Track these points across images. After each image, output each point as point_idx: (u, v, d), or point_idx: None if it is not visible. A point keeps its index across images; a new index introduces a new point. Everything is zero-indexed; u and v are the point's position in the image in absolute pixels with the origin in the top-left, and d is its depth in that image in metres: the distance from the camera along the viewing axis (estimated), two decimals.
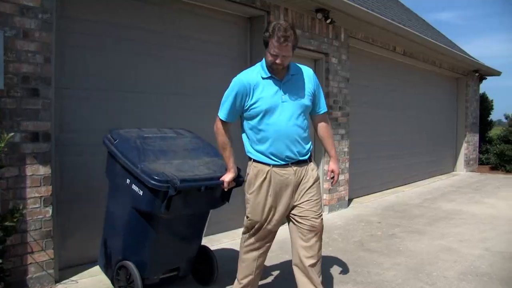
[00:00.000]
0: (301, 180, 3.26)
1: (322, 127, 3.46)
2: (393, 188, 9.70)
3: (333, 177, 3.46)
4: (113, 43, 4.68)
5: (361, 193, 8.62)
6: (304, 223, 3.22)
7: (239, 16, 5.96)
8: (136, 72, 4.87)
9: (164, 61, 5.13)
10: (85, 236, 4.43)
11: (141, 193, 3.34)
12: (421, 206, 7.89)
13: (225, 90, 3.24)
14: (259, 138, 3.21)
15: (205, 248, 4.03)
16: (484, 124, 15.07)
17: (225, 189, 3.47)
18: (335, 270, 4.52)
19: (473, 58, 12.99)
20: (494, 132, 15.58)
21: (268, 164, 3.20)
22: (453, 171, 13.22)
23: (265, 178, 3.20)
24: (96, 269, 4.17)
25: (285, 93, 3.19)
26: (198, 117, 5.20)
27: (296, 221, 3.25)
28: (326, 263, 4.66)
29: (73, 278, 4.14)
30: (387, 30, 7.87)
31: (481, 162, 14.43)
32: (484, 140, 14.86)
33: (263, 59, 3.26)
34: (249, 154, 3.29)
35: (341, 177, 7.36)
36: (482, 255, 5.02)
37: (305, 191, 3.25)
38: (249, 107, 3.19)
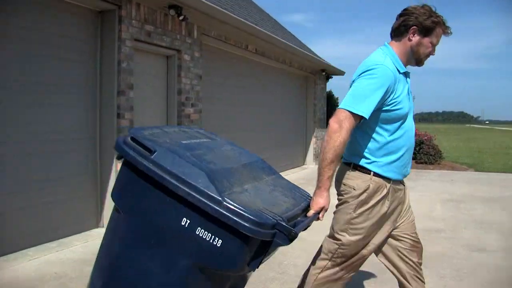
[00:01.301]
0: (406, 197, 2.83)
1: None
2: None
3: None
4: None
5: None
6: (407, 241, 2.78)
7: (89, 9, 5.71)
8: None
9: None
10: None
11: (218, 243, 2.07)
12: None
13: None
14: (390, 147, 2.62)
15: None
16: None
17: (320, 220, 2.53)
18: None
19: (321, 58, 13.85)
20: None
21: (390, 179, 2.63)
22: (304, 164, 13.97)
23: (385, 196, 2.62)
24: None
25: (410, 94, 2.71)
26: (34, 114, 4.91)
27: (398, 239, 2.78)
28: None
29: None
30: (240, 29, 8.07)
31: None
32: None
33: (388, 47, 2.69)
34: (366, 165, 2.62)
35: None
36: None
37: (406, 210, 2.83)
38: (391, 106, 2.56)
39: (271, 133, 11.33)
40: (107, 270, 2.28)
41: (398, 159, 2.64)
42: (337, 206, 2.73)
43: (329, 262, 2.70)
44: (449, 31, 2.67)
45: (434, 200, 8.39)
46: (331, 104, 16.12)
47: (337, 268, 2.68)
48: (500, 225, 6.37)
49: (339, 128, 2.43)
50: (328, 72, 14.72)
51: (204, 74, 7.76)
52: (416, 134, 15.15)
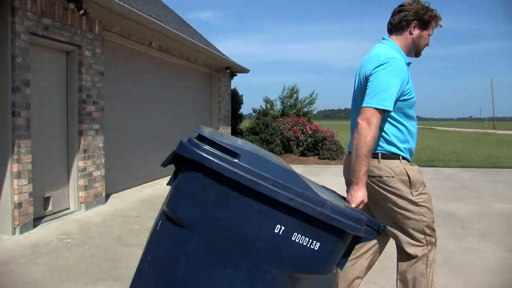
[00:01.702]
0: None
1: None
2: (151, 181, 9.85)
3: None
4: None
5: (119, 188, 8.55)
6: None
7: None
8: None
9: None
10: None
11: (316, 246, 1.99)
12: None
13: None
14: (405, 133, 2.82)
15: None
16: (235, 117, 16.26)
17: None
18: (94, 268, 4.42)
19: (225, 56, 13.93)
20: (244, 124, 16.92)
21: (409, 162, 2.87)
22: None
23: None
24: None
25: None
26: None
27: None
28: (83, 263, 4.54)
29: None
30: (143, 25, 7.92)
31: None
32: (236, 132, 16.03)
33: (390, 41, 2.89)
34: (395, 151, 2.79)
35: (97, 173, 7.22)
36: None
37: None
38: (407, 95, 2.75)
39: (174, 131, 11.23)
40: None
41: (413, 142, 2.88)
42: (384, 199, 2.83)
43: (431, 247, 2.84)
44: (441, 24, 2.94)
45: None
46: (236, 101, 16.27)
47: (432, 244, 2.84)
48: None
49: (368, 125, 2.56)
50: (233, 70, 14.84)
51: (106, 71, 7.53)
52: (318, 131, 15.76)
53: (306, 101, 19.08)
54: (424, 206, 2.79)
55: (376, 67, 2.67)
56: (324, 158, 15.01)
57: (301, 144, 15.68)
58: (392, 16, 2.90)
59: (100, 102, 7.30)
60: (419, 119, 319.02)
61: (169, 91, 10.91)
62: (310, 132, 15.69)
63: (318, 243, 1.98)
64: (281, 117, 17.34)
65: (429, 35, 2.91)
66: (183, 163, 1.99)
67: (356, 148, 2.59)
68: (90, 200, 7.06)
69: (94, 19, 7.10)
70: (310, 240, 1.97)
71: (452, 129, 65.71)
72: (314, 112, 19.58)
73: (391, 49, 2.81)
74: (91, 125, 7.07)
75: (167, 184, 2.10)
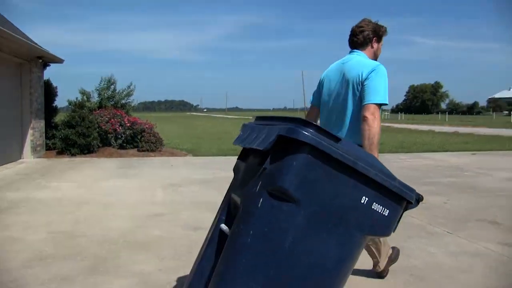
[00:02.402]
0: None
1: None
2: None
3: None
4: None
5: None
6: None
7: None
8: None
9: None
10: None
11: (386, 213, 2.49)
12: None
13: None
14: None
15: None
16: (49, 110, 15.35)
17: None
18: None
19: (36, 44, 13.03)
20: (59, 118, 16.05)
21: None
22: (21, 158, 13.04)
23: None
24: None
25: None
26: None
27: None
28: None
29: None
30: None
31: (48, 148, 14.68)
32: (50, 125, 15.15)
33: (362, 54, 3.59)
34: None
35: None
36: (46, 239, 5.21)
37: None
38: None
39: None
40: (271, 267, 2.29)
41: None
42: None
43: None
44: (386, 34, 3.71)
45: (155, 186, 8.75)
46: (50, 93, 15.36)
47: None
48: (214, 204, 7.01)
49: (374, 118, 3.18)
50: (45, 59, 13.96)
51: None
52: (137, 123, 15.61)
53: (124, 93, 18.71)
54: None
55: (370, 72, 3.31)
56: (143, 150, 14.92)
57: (119, 137, 15.37)
58: (355, 36, 3.62)
59: None
60: (238, 110, 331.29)
61: None
62: (128, 125, 15.46)
63: (388, 211, 2.48)
64: (98, 110, 16.78)
65: (381, 45, 3.70)
66: (288, 146, 2.28)
67: (369, 138, 3.17)
68: None
69: None
70: (383, 208, 2.47)
71: None
72: (133, 104, 19.27)
73: (367, 58, 3.55)
74: None
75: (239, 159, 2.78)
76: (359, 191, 2.40)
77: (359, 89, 3.32)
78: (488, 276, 4.20)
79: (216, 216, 2.86)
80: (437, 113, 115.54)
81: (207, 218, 6.35)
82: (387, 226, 2.52)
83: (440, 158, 14.37)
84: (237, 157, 2.88)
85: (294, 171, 2.28)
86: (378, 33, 3.63)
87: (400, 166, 12.18)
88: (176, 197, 7.81)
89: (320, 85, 3.76)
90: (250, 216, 2.33)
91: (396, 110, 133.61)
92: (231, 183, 2.83)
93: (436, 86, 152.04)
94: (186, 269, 3.73)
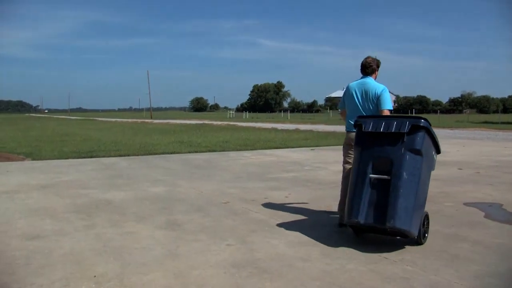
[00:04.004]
0: None
1: None
2: None
3: None
4: None
5: None
6: None
7: None
8: None
9: None
10: None
11: (435, 157, 5.37)
12: None
13: None
14: None
15: None
16: None
17: None
18: None
19: None
20: None
21: None
22: None
23: None
24: None
25: None
26: None
27: None
28: None
29: None
30: None
31: None
32: None
33: (370, 78, 5.94)
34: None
35: None
36: None
37: None
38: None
39: None
40: (416, 189, 4.83)
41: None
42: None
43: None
44: (380, 64, 6.10)
45: None
46: None
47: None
48: (53, 209, 6.68)
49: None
50: None
51: None
52: None
53: None
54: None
55: (382, 90, 5.73)
56: None
57: None
58: (367, 68, 5.91)
59: None
60: (82, 110, 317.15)
61: None
62: None
63: (436, 155, 5.36)
64: None
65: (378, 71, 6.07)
66: (415, 128, 4.88)
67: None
68: None
69: None
70: (435, 155, 5.36)
71: (114, 119, 67.10)
72: None
73: (374, 81, 5.90)
74: None
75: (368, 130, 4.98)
76: (432, 147, 5.15)
77: (375, 101, 5.71)
78: (323, 261, 4.55)
79: (355, 169, 5.08)
80: (280, 111, 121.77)
81: (47, 224, 6.03)
82: (434, 165, 5.37)
83: (282, 154, 15.17)
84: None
85: (421, 140, 4.86)
86: (378, 65, 6.00)
87: (245, 163, 12.64)
88: (11, 205, 7.22)
89: (345, 96, 6.05)
90: (403, 164, 4.77)
91: (241, 109, 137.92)
92: (358, 152, 5.10)
93: (279, 86, 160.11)
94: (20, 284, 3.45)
